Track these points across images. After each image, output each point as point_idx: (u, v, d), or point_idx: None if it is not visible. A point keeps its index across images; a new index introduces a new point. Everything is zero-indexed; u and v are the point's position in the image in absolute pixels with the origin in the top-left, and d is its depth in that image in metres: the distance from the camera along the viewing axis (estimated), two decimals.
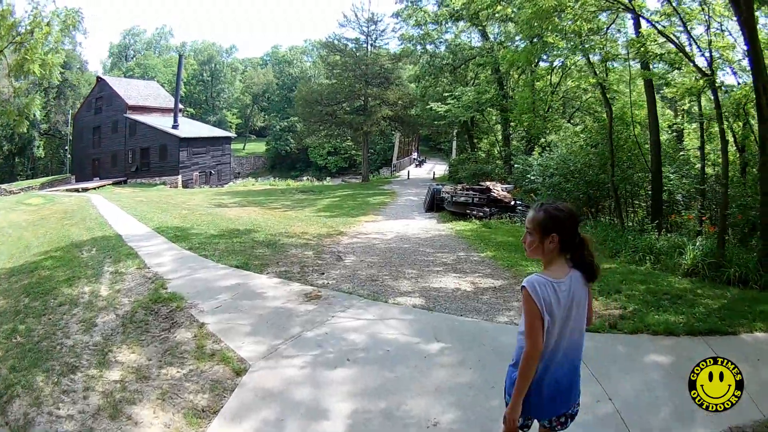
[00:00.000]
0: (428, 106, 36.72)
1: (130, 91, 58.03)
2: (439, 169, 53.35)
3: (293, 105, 63.03)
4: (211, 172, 56.33)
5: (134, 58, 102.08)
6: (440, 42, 41.94)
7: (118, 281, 9.83)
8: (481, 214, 19.95)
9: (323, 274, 10.34)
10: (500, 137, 41.49)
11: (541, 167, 22.38)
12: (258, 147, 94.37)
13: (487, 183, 22.93)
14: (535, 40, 19.56)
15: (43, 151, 69.45)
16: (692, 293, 8.82)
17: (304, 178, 66.07)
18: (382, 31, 46.13)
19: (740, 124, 15.17)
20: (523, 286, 3.18)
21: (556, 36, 16.40)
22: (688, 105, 28.39)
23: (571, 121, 34.71)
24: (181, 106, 64.45)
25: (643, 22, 14.80)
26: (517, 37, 37.47)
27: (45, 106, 66.38)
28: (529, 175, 23.25)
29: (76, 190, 42.96)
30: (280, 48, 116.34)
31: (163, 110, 57.72)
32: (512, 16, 35.41)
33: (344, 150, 77.38)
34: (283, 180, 58.57)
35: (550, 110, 32.43)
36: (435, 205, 23.76)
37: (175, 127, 53.57)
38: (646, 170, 18.18)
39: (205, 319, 7.56)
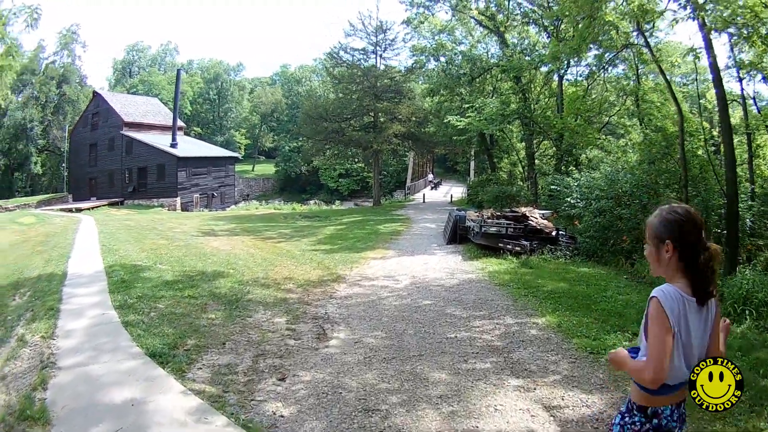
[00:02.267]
0: (446, 120, 32.64)
1: (128, 107, 54.40)
2: (456, 191, 49.23)
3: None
4: (213, 194, 52.70)
5: (138, 75, 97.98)
6: (455, 54, 38.21)
7: (15, 357, 7.28)
8: (519, 249, 15.66)
9: (283, 380, 6.22)
10: (523, 155, 37.58)
11: (583, 189, 18.22)
12: (267, 168, 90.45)
13: (522, 209, 18.56)
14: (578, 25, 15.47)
15: (41, 168, 66.06)
16: None
17: (311, 201, 61.96)
18: (391, 40, 41.88)
19: None
20: (653, 296, 2.72)
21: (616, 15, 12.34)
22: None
23: (603, 136, 30.79)
24: (182, 124, 61.56)
25: None
26: (537, 46, 33.97)
27: (42, 121, 63.74)
28: (568, 198, 19.01)
29: (70, 210, 40.23)
30: (290, 67, 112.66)
31: (163, 128, 54.06)
32: (535, 17, 31.97)
33: (356, 172, 73.57)
34: (291, 203, 54.53)
35: (583, 120, 28.40)
36: (458, 235, 19.48)
37: (173, 145, 49.87)
38: (716, 191, 14.48)
39: None
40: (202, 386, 5.91)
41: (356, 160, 58.70)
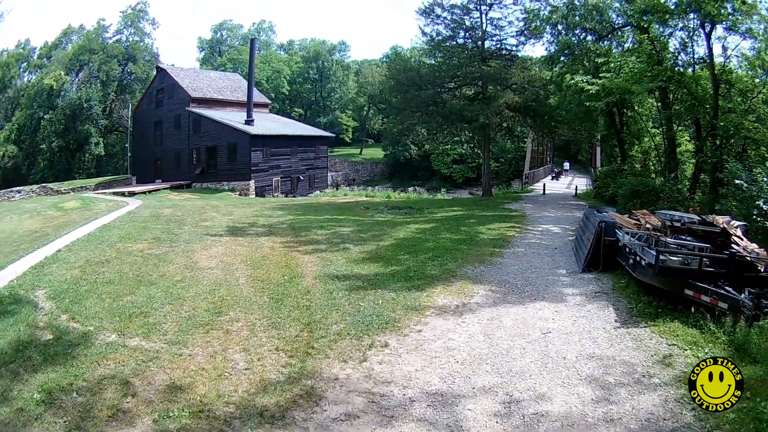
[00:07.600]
0: (571, 81, 24.87)
1: (198, 82, 49.27)
2: (579, 182, 42.23)
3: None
4: (299, 178, 46.94)
5: (227, 53, 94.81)
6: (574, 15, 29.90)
7: None
8: (725, 306, 8.18)
9: None
10: (659, 141, 30.64)
11: None
12: (377, 152, 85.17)
13: (719, 219, 10.47)
14: None
15: (103, 149, 62.97)
16: None
17: (410, 188, 55.26)
18: None
19: None
20: None
21: None
22: None
23: None
24: (267, 101, 56.53)
25: None
26: None
27: (104, 100, 61.37)
28: (759, 202, 11.84)
29: (123, 194, 36.56)
30: (400, 48, 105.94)
31: (245, 105, 48.00)
32: None
33: (471, 158, 66.94)
34: (391, 191, 48.60)
35: None
36: (602, 256, 12.09)
37: (248, 122, 44.23)
38: None
39: None
40: None
41: (471, 145, 50.51)
